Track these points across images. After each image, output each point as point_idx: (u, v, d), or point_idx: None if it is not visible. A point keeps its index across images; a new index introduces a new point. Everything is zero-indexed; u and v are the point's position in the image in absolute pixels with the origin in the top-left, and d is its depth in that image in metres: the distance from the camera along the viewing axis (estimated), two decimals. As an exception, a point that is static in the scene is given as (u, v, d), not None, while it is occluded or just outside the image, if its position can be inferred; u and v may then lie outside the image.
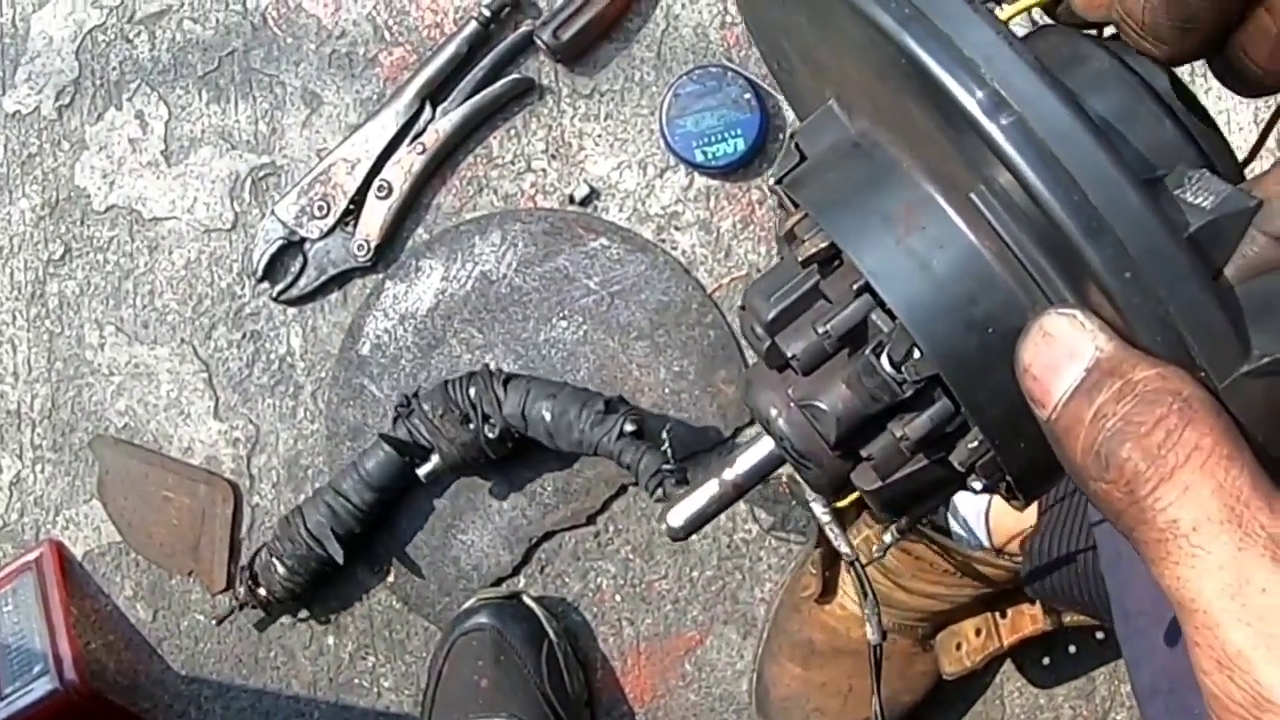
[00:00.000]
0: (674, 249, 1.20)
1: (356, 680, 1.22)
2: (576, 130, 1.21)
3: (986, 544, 1.07)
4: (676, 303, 1.18)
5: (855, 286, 0.37)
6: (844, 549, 0.93)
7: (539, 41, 1.19)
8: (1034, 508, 1.02)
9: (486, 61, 1.20)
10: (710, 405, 1.18)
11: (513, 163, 1.22)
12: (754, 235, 1.20)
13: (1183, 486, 0.30)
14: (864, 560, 1.06)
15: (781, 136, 1.19)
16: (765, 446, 0.43)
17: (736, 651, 1.20)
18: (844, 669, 1.14)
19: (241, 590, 1.18)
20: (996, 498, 0.42)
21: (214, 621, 1.21)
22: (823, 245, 0.37)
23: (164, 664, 1.24)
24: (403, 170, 1.20)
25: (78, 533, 1.25)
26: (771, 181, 0.42)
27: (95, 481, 1.24)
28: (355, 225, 1.20)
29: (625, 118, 1.21)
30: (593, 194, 1.20)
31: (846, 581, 1.12)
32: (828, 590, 1.12)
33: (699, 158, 1.17)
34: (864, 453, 0.39)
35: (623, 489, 1.19)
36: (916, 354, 0.35)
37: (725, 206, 1.20)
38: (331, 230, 1.20)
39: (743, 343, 1.19)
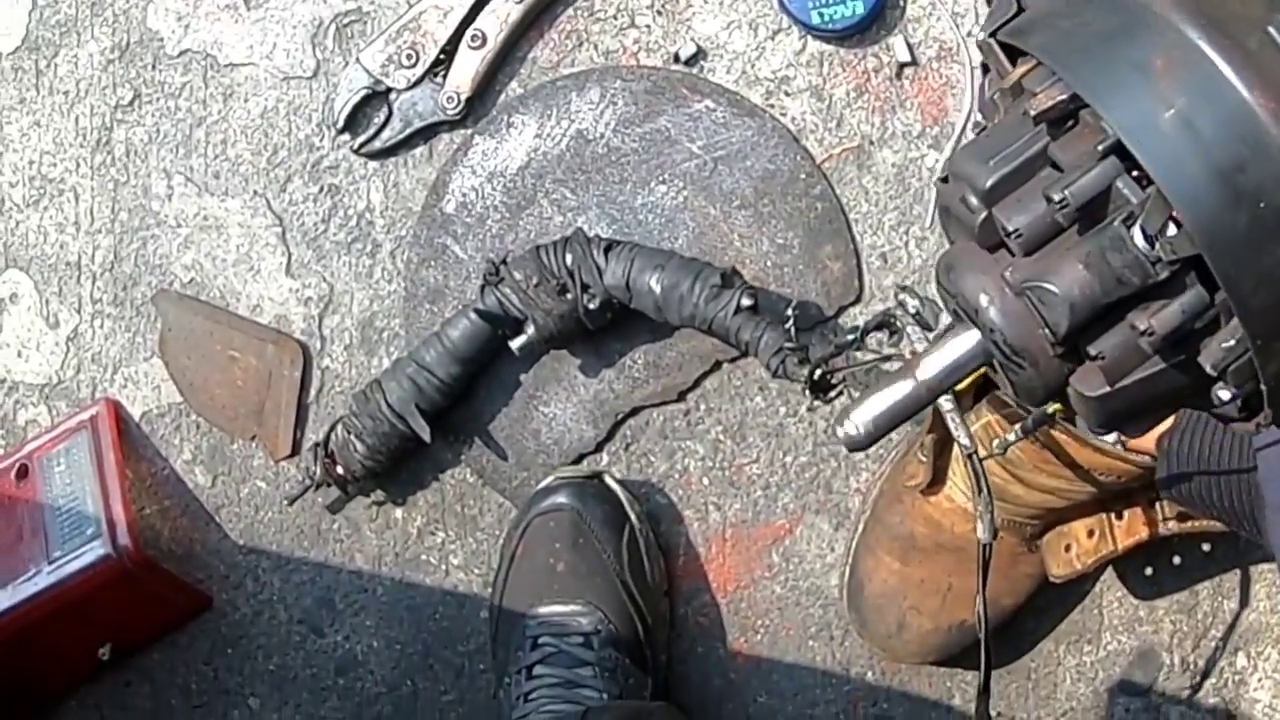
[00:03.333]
0: (783, 115, 1.13)
1: (424, 556, 1.17)
2: (685, -15, 1.15)
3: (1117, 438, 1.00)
4: (783, 172, 1.11)
5: (1102, 147, 0.31)
6: (963, 439, 0.86)
7: (649, -111, 1.12)
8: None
9: (592, -92, 1.13)
10: (814, 281, 1.11)
11: (615, 17, 1.15)
12: (868, 105, 1.13)
13: None
14: (983, 453, 1.01)
15: (903, 1, 1.12)
16: (968, 340, 0.37)
17: (827, 544, 1.14)
18: (945, 565, 1.08)
19: (317, 469, 1.12)
20: None
21: (286, 502, 1.15)
22: (1061, 98, 0.32)
23: (221, 532, 1.18)
24: (498, 20, 1.13)
25: (136, 392, 1.19)
26: (982, 36, 0.36)
27: (157, 339, 1.19)
28: (445, 76, 1.14)
29: (737, -26, 1.14)
30: (699, 54, 1.14)
31: (956, 471, 1.05)
32: (936, 480, 1.05)
33: (814, 20, 1.10)
34: (1092, 350, 0.33)
35: (717, 365, 1.12)
36: (1172, 229, 0.30)
37: (839, 73, 1.13)
38: (419, 81, 1.14)
39: (851, 216, 1.12)
